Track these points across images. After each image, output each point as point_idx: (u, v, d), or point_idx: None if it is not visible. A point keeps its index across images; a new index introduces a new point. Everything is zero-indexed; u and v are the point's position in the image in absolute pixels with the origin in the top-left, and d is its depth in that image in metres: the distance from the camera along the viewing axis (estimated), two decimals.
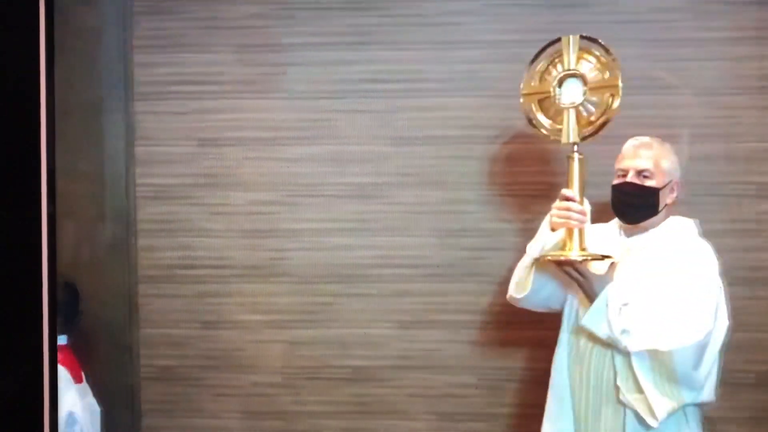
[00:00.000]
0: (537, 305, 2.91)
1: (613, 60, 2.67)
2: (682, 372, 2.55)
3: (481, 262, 3.46)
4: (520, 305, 2.92)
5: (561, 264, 2.65)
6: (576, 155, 2.67)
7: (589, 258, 2.62)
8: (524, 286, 2.82)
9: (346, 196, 3.52)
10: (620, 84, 2.64)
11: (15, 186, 1.21)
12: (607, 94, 2.66)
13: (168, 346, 3.59)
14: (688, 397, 2.59)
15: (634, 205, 2.72)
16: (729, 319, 2.65)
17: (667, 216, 2.77)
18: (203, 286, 3.56)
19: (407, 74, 3.49)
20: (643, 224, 2.76)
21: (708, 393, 2.65)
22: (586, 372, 2.73)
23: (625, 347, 2.60)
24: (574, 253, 2.62)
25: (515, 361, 3.47)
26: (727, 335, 2.65)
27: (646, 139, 2.78)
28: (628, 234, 2.80)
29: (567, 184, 2.69)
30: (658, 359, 2.56)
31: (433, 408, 3.52)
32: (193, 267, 3.57)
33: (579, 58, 2.70)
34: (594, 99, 2.68)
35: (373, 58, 3.51)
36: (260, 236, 3.55)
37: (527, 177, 3.43)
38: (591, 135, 2.67)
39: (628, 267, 2.72)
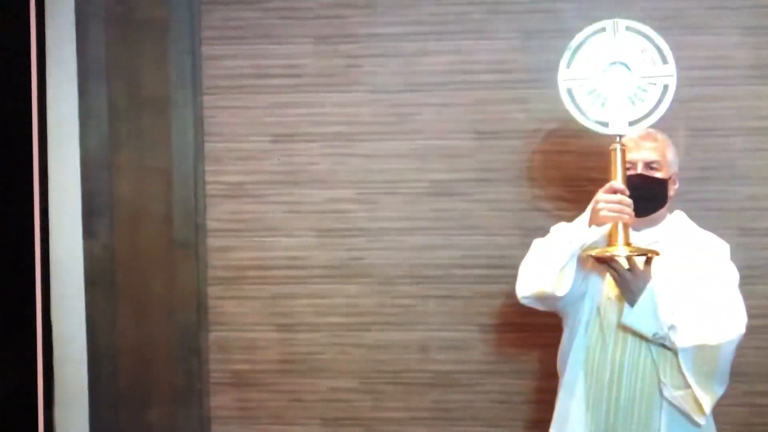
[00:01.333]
0: (562, 304, 2.76)
1: (661, 50, 2.61)
2: (723, 366, 2.54)
3: None
4: (533, 305, 2.78)
5: (606, 261, 2.56)
6: (619, 146, 2.59)
7: (636, 254, 2.53)
8: (564, 283, 2.67)
9: (427, 194, 3.38)
10: (674, 74, 2.60)
11: (7, 183, 1.14)
12: (661, 84, 2.60)
13: (241, 349, 3.46)
14: (719, 391, 2.57)
15: (645, 197, 2.62)
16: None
17: (669, 209, 2.75)
18: (278, 288, 3.42)
19: (492, 65, 3.35)
20: (651, 217, 2.69)
21: (727, 387, 2.62)
22: (618, 369, 2.63)
23: (673, 343, 2.54)
24: (621, 249, 2.52)
25: None
26: None
27: (649, 129, 2.69)
28: (637, 228, 2.69)
29: (611, 176, 2.59)
30: (702, 354, 2.52)
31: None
32: (266, 268, 3.43)
33: (624, 46, 2.63)
34: (644, 88, 2.61)
35: (456, 48, 3.36)
36: (337, 235, 3.40)
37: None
38: (637, 124, 2.61)
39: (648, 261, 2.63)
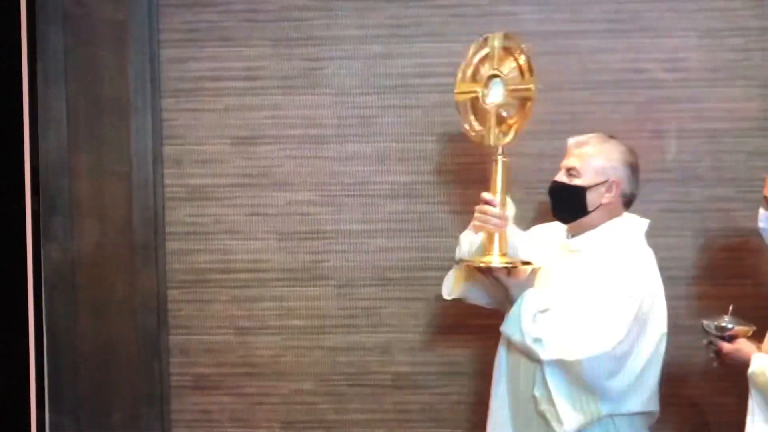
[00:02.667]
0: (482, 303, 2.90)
1: (529, 62, 2.61)
2: (592, 383, 2.50)
3: None
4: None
5: (480, 270, 2.63)
6: (500, 158, 2.63)
7: (509, 264, 2.58)
8: (446, 287, 2.86)
9: (389, 196, 3.39)
10: (533, 87, 2.58)
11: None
12: (524, 98, 2.61)
13: (202, 353, 3.45)
14: (605, 408, 2.53)
15: (561, 203, 2.67)
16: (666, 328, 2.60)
17: (610, 217, 2.67)
18: (239, 291, 3.42)
19: (451, 68, 3.35)
20: (581, 225, 2.68)
21: (638, 403, 2.58)
22: (516, 381, 2.68)
23: (538, 356, 2.54)
24: (494, 259, 2.58)
25: None
26: (662, 344, 2.59)
27: (587, 136, 2.70)
28: (571, 235, 2.73)
29: (490, 188, 2.65)
30: (569, 369, 2.51)
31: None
32: (228, 271, 3.42)
33: (503, 59, 2.65)
34: (514, 102, 2.62)
35: (416, 51, 3.36)
36: (299, 238, 3.40)
37: None
38: (511, 139, 2.64)
39: (565, 269, 2.66)
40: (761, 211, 2.52)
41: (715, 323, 2.56)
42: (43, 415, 3.19)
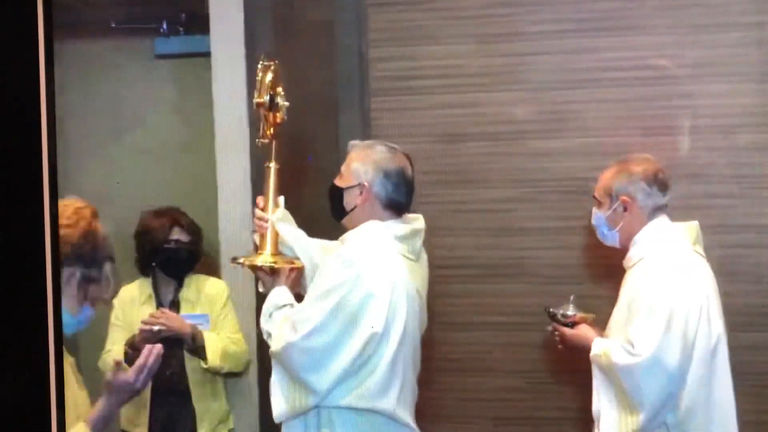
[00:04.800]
0: None
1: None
2: (295, 374, 2.51)
3: None
4: None
5: (251, 268, 2.72)
6: (272, 165, 2.72)
7: (274, 264, 2.64)
8: None
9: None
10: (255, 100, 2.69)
11: (16, 186, 1.15)
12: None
13: None
14: (312, 400, 2.51)
15: (330, 202, 2.70)
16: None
17: (368, 219, 2.63)
18: (443, 287, 3.43)
19: (652, 60, 3.32)
20: (348, 226, 2.67)
21: (347, 398, 2.50)
22: None
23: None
24: (259, 258, 2.66)
25: None
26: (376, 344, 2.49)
27: (365, 142, 2.75)
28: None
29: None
30: (277, 360, 2.54)
31: None
32: (431, 267, 3.44)
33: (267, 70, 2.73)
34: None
35: (618, 44, 3.34)
36: (500, 234, 3.41)
37: None
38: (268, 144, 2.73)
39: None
40: (593, 210, 2.76)
41: (561, 311, 2.77)
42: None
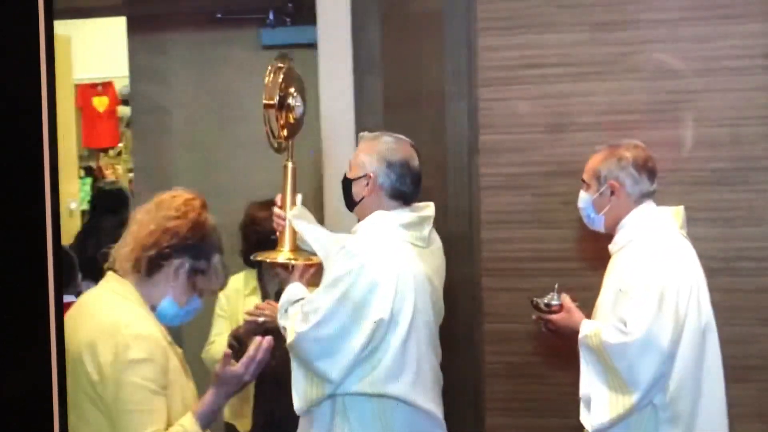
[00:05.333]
0: None
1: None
2: (309, 363, 2.55)
3: None
4: None
5: (271, 265, 2.84)
6: (289, 164, 2.79)
7: (293, 260, 2.73)
8: None
9: (708, 183, 3.27)
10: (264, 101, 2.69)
11: (17, 184, 1.11)
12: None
13: (512, 341, 3.45)
14: (327, 388, 2.56)
15: (343, 194, 2.75)
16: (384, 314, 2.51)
17: (374, 209, 2.67)
18: (552, 280, 3.38)
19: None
20: (359, 216, 2.73)
21: (361, 385, 2.55)
22: None
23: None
24: (281, 256, 2.74)
25: None
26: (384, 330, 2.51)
27: (372, 134, 2.76)
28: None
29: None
30: (292, 352, 2.59)
31: None
32: (541, 260, 3.40)
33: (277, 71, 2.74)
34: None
35: (733, 32, 3.23)
36: None
37: None
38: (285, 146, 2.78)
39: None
40: (581, 192, 2.83)
41: (545, 300, 2.86)
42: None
